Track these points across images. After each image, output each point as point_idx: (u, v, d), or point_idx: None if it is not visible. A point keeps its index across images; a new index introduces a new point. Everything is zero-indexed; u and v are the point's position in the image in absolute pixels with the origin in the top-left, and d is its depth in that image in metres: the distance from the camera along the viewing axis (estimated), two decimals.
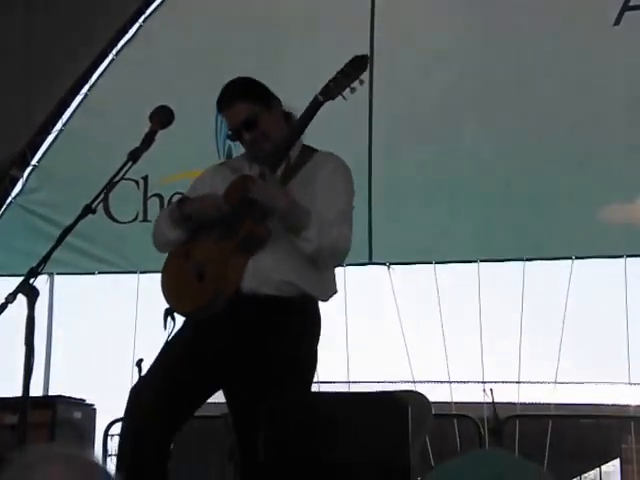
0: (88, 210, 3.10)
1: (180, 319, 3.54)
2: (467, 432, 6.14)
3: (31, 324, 2.85)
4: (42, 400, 5.88)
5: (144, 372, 3.48)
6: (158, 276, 3.64)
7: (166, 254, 3.64)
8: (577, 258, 6.26)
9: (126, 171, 3.22)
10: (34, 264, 2.97)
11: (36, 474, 1.35)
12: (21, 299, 2.89)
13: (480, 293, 6.35)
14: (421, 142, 6.55)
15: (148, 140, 3.29)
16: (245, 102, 3.51)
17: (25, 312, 2.88)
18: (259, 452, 3.23)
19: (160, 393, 3.36)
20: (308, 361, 3.52)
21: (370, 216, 6.42)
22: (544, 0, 6.50)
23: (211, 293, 3.43)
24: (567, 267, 6.24)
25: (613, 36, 6.24)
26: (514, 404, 6.60)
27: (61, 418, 5.72)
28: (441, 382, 7.39)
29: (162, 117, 3.39)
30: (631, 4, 6.20)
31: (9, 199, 7.17)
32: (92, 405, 6.19)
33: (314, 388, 3.89)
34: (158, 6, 7.11)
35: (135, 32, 7.11)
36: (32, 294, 2.88)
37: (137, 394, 3.43)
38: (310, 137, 3.61)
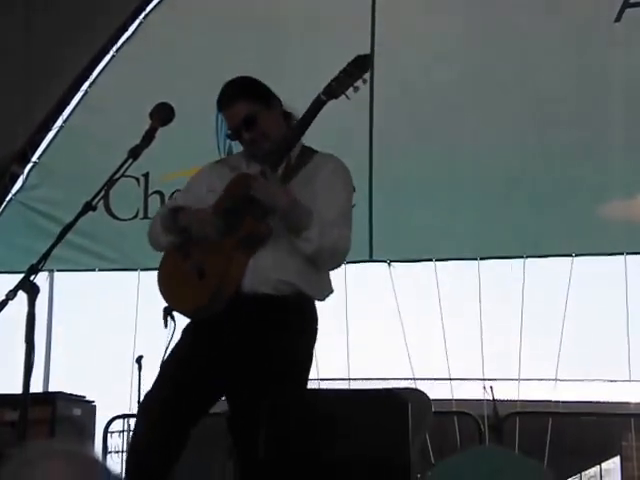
0: (88, 207, 3.10)
1: (179, 317, 3.54)
2: (467, 429, 6.14)
3: (31, 321, 2.85)
4: (42, 397, 5.88)
5: (151, 385, 3.49)
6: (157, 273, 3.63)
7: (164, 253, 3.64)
8: (577, 255, 6.26)
9: (126, 168, 3.21)
10: (34, 261, 2.97)
11: (36, 470, 1.35)
12: (21, 296, 2.89)
13: (480, 290, 6.35)
14: (421, 140, 6.55)
15: (148, 137, 3.29)
16: (245, 101, 3.50)
17: (25, 309, 2.88)
18: (259, 449, 3.23)
19: (168, 403, 3.36)
20: (306, 360, 3.52)
21: (371, 214, 6.42)
22: None
23: (213, 290, 3.42)
24: (567, 264, 6.24)
25: (614, 33, 6.23)
26: (514, 401, 6.60)
27: (61, 415, 5.73)
28: (441, 379, 7.39)
29: (162, 114, 3.38)
30: (632, 1, 6.20)
31: (9, 196, 7.17)
32: (92, 402, 6.20)
33: (314, 385, 3.90)
34: (158, 3, 7.10)
35: (135, 29, 7.11)
36: (32, 291, 2.88)
37: (145, 407, 3.45)
38: (311, 136, 3.60)
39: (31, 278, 2.91)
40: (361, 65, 3.44)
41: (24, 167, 7.16)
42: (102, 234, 6.79)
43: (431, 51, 6.58)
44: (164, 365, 3.48)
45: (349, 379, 6.81)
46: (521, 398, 6.63)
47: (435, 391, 6.33)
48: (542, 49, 6.40)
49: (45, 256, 3.00)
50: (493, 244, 6.42)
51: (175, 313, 3.53)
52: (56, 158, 7.13)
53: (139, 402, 3.45)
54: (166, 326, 3.51)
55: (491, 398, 5.52)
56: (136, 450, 3.46)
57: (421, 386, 5.60)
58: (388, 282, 6.53)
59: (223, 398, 3.52)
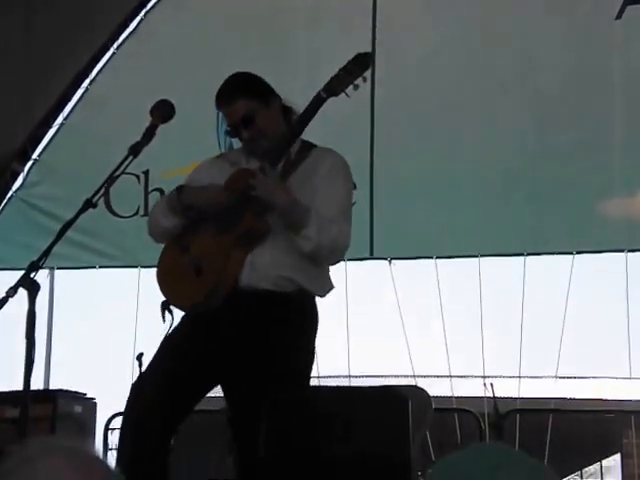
0: (89, 204, 3.10)
1: (178, 312, 3.54)
2: (468, 426, 6.14)
3: (32, 318, 2.85)
4: (43, 394, 5.88)
5: (144, 367, 3.48)
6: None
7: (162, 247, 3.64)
8: (578, 253, 6.26)
9: (127, 165, 3.21)
10: (35, 258, 2.97)
11: (36, 467, 1.35)
12: (22, 293, 2.89)
13: (481, 288, 6.35)
14: (422, 138, 6.54)
15: (149, 134, 3.29)
16: (243, 99, 3.50)
17: (26, 306, 2.88)
18: (259, 446, 3.23)
19: (160, 388, 3.36)
20: (307, 356, 3.52)
21: (372, 211, 6.41)
22: None
23: (210, 287, 3.42)
24: (568, 262, 6.24)
25: (614, 30, 6.23)
26: (515, 399, 6.60)
27: (62, 412, 5.73)
28: (442, 376, 7.39)
29: (163, 111, 3.39)
30: None
31: (10, 193, 7.16)
32: (93, 399, 6.20)
33: (315, 382, 3.89)
34: (159, 0, 7.09)
35: (136, 26, 7.10)
36: (33, 288, 2.89)
37: (137, 390, 3.44)
38: (312, 133, 3.60)
39: (32, 275, 2.91)
40: (362, 63, 3.44)
41: (24, 164, 7.16)
42: (103, 231, 6.79)
43: (432, 50, 6.58)
44: (162, 349, 3.47)
45: (349, 376, 6.81)
46: (521, 395, 6.63)
47: (435, 388, 6.34)
48: (542, 47, 6.39)
49: (46, 253, 3.01)
50: (494, 242, 6.41)
51: (173, 308, 3.53)
52: (56, 155, 7.13)
53: (130, 388, 3.44)
54: (164, 320, 3.51)
55: (491, 395, 5.52)
56: (128, 435, 3.45)
57: (421, 383, 5.60)
58: (389, 279, 6.53)
59: (222, 395, 3.52)
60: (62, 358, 7.58)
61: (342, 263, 5.32)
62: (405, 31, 6.61)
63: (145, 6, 7.07)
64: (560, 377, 6.64)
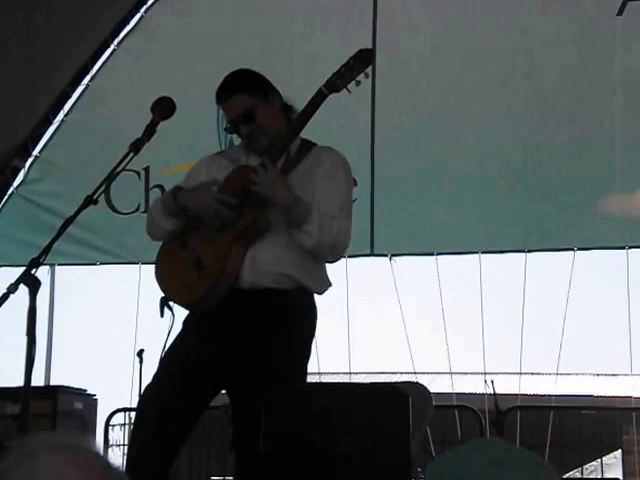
0: (90, 201, 3.10)
1: (178, 309, 3.54)
2: (468, 423, 6.14)
3: (33, 314, 2.85)
4: (43, 390, 5.88)
5: (151, 378, 3.49)
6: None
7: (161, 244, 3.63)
8: (579, 249, 6.26)
9: (128, 162, 3.21)
10: (35, 254, 2.97)
11: (37, 462, 1.35)
12: (23, 289, 2.89)
13: (482, 284, 6.36)
14: (423, 134, 6.55)
15: (149, 131, 3.29)
16: (243, 95, 3.49)
17: (26, 302, 2.88)
18: (260, 443, 3.23)
19: (164, 410, 3.37)
20: (304, 353, 3.52)
21: (372, 208, 6.41)
22: None
23: (210, 283, 3.42)
24: (569, 258, 6.24)
25: (616, 26, 6.22)
26: (515, 395, 6.60)
27: (62, 408, 5.74)
28: (442, 373, 7.39)
29: (163, 108, 3.38)
30: None
31: (11, 189, 7.16)
32: (93, 395, 6.21)
33: (315, 379, 3.90)
34: None
35: (136, 23, 7.10)
36: (34, 284, 2.88)
37: (144, 406, 3.46)
38: (313, 130, 3.60)
39: (32, 272, 2.91)
40: (364, 59, 3.43)
41: (25, 161, 7.16)
42: (103, 228, 6.79)
43: (432, 47, 6.58)
44: (165, 358, 3.49)
45: (350, 373, 6.81)
46: (522, 392, 6.64)
47: (436, 385, 6.34)
48: (543, 43, 6.39)
49: (46, 250, 3.00)
50: (494, 238, 6.42)
51: (173, 304, 3.53)
52: (57, 152, 7.13)
53: (140, 395, 3.45)
54: (162, 315, 3.51)
55: (492, 392, 5.51)
56: (136, 447, 3.46)
57: (422, 380, 5.60)
58: (389, 276, 6.54)
59: (223, 391, 3.52)
60: (63, 354, 7.58)
61: (343, 260, 5.32)
62: (405, 29, 6.61)
63: (145, 3, 7.07)
64: (561, 374, 6.64)
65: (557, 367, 6.35)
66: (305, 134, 3.61)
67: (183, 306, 3.53)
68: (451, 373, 6.74)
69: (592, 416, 7.22)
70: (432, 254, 6.49)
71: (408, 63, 6.59)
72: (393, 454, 3.21)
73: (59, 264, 6.98)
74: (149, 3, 7.07)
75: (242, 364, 3.37)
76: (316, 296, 3.55)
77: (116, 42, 7.09)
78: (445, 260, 6.49)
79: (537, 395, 7.74)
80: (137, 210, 6.81)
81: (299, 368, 3.48)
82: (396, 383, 3.88)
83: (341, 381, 6.82)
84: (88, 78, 7.12)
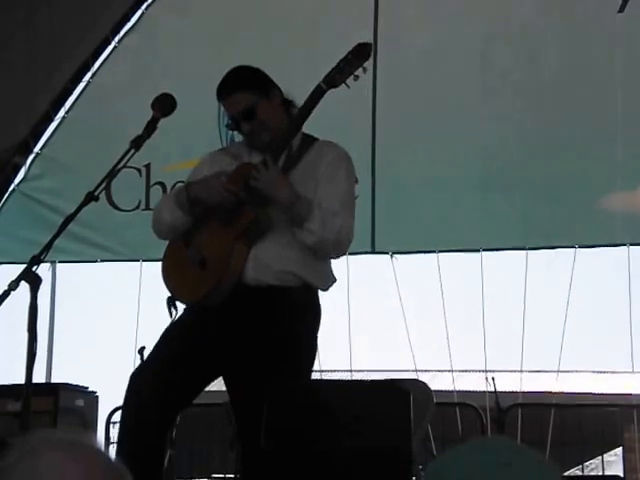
0: (90, 198, 3.10)
1: (182, 307, 3.54)
2: (469, 421, 6.14)
3: (34, 311, 2.86)
4: (45, 387, 5.88)
5: (145, 357, 3.49)
6: (161, 264, 3.64)
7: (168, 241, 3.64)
8: (580, 247, 6.25)
9: (129, 159, 3.21)
10: (36, 252, 2.97)
11: (38, 459, 1.35)
12: (24, 286, 2.89)
13: (483, 282, 6.35)
14: (424, 131, 6.54)
15: (150, 128, 3.29)
16: (244, 92, 3.49)
17: (28, 299, 2.88)
18: (261, 439, 3.23)
19: (160, 377, 3.37)
20: (309, 350, 3.52)
21: (373, 205, 6.41)
22: None
23: (214, 281, 3.42)
24: (570, 256, 6.24)
25: (617, 23, 6.22)
26: (516, 393, 6.60)
27: (63, 405, 5.73)
28: (443, 371, 7.39)
29: (164, 105, 3.38)
30: None
31: (12, 186, 7.16)
32: (94, 392, 6.20)
33: (316, 376, 3.89)
34: None
35: (137, 20, 7.09)
36: (35, 281, 2.89)
37: (137, 380, 3.45)
38: (313, 126, 3.59)
39: (33, 269, 2.91)
40: (362, 54, 3.43)
41: (26, 158, 7.15)
42: (104, 225, 6.79)
43: (433, 44, 6.57)
44: (163, 339, 3.48)
45: (351, 370, 6.81)
46: (523, 389, 6.63)
47: (437, 382, 6.34)
48: (544, 41, 6.39)
49: (47, 247, 3.01)
50: (496, 236, 6.41)
51: (178, 303, 3.54)
52: (58, 149, 7.12)
53: (130, 377, 3.45)
54: (171, 316, 3.52)
55: (493, 389, 5.51)
56: (127, 426, 3.46)
57: (423, 377, 5.60)
58: (390, 274, 6.53)
59: (224, 389, 3.52)
60: (64, 352, 7.59)
61: (344, 257, 5.31)
62: (406, 25, 6.60)
63: (146, 0, 7.06)
64: (562, 371, 6.64)
65: (558, 364, 6.35)
66: (305, 131, 3.60)
67: (188, 304, 3.54)
68: (452, 371, 6.74)
69: (593, 413, 7.22)
70: (433, 252, 6.48)
71: (409, 61, 6.58)
72: (394, 451, 3.21)
73: (60, 261, 6.98)
74: (150, 0, 7.07)
75: (245, 359, 3.37)
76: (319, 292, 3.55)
77: (117, 39, 7.08)
78: (446, 258, 6.49)
79: (538, 392, 7.73)
80: (138, 207, 6.81)
81: (303, 365, 3.48)
82: (397, 380, 3.88)
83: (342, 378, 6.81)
84: (89, 75, 7.12)
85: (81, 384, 6.16)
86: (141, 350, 5.42)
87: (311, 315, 3.52)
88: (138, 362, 3.51)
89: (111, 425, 6.30)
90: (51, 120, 7.14)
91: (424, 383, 3.86)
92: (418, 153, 6.53)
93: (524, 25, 6.42)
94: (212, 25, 6.90)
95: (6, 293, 2.87)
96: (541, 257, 6.45)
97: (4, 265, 6.76)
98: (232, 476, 4.84)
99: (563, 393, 7.19)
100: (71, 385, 6.06)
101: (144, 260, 6.65)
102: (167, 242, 3.64)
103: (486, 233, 6.40)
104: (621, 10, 6.19)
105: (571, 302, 6.25)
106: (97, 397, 6.20)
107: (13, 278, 2.88)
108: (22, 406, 2.95)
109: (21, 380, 2.86)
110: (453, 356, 6.45)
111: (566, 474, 7.36)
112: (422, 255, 6.61)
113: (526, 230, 6.35)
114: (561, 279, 6.38)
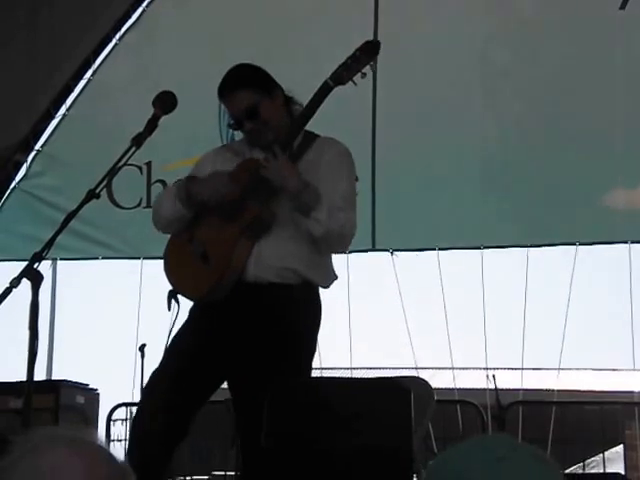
0: (92, 195, 3.10)
1: (184, 301, 3.54)
2: (470, 418, 6.14)
3: (35, 309, 2.86)
4: (46, 384, 5.89)
5: (157, 364, 3.50)
6: (161, 262, 3.64)
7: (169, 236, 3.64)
8: (581, 244, 6.26)
9: (129, 156, 3.21)
10: (38, 249, 2.97)
11: (40, 456, 1.35)
12: (25, 284, 2.89)
13: (483, 279, 6.36)
14: (424, 129, 6.54)
15: (151, 126, 3.29)
16: (246, 90, 3.49)
17: (29, 297, 2.89)
18: (261, 437, 3.23)
19: (169, 392, 3.37)
20: (309, 348, 3.52)
21: (373, 203, 6.41)
22: None
23: (216, 277, 3.43)
24: (571, 253, 6.24)
25: (618, 20, 6.21)
26: (517, 390, 6.60)
27: (64, 402, 5.74)
28: (444, 368, 7.39)
29: (165, 102, 3.38)
30: None
31: (13, 184, 7.16)
32: (95, 390, 6.21)
33: (316, 374, 3.89)
34: None
35: (138, 17, 7.09)
36: (36, 279, 2.89)
37: (149, 392, 3.47)
38: (313, 126, 3.59)
39: (35, 266, 2.91)
40: (370, 51, 3.43)
41: (27, 155, 7.15)
42: (105, 222, 6.79)
43: (433, 42, 6.57)
44: (169, 349, 3.49)
45: (351, 368, 6.81)
46: (524, 387, 6.64)
47: (438, 380, 6.35)
48: (546, 37, 6.38)
49: (48, 244, 3.01)
50: (496, 233, 6.41)
51: (179, 297, 3.54)
52: (59, 146, 7.12)
53: (142, 390, 3.46)
54: (170, 309, 3.51)
55: (494, 387, 5.51)
56: (138, 438, 3.47)
57: (424, 375, 5.60)
58: (391, 271, 6.53)
59: (225, 386, 3.53)
60: (65, 349, 7.60)
61: (344, 255, 5.32)
62: (406, 25, 6.59)
63: None
64: (563, 369, 6.64)
65: (559, 362, 6.35)
66: (306, 129, 3.60)
67: (190, 299, 3.54)
68: (453, 368, 6.74)
69: (594, 411, 7.22)
70: (434, 249, 6.48)
71: (409, 61, 6.58)
72: (395, 449, 3.21)
73: (61, 258, 6.98)
74: None
75: (246, 357, 3.38)
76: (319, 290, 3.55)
77: (118, 36, 7.08)
78: (447, 255, 6.49)
79: (539, 390, 7.74)
80: (139, 205, 6.81)
81: (303, 362, 3.49)
82: (398, 378, 3.88)
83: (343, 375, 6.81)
84: (90, 72, 7.12)
85: (82, 381, 6.17)
86: (142, 347, 5.41)
87: (312, 312, 3.52)
88: (139, 359, 3.52)
89: (112, 422, 6.31)
90: (52, 118, 7.14)
91: (425, 381, 3.86)
92: (418, 152, 6.53)
93: (524, 25, 6.42)
94: (213, 22, 6.90)
95: (7, 290, 2.88)
96: (542, 254, 6.46)
97: (5, 262, 6.76)
98: (233, 474, 4.84)
99: (564, 391, 7.19)
100: (72, 382, 6.07)
101: (145, 258, 6.65)
102: (168, 239, 3.64)
103: (487, 230, 6.40)
104: (622, 7, 6.18)
105: (572, 299, 6.26)
106: (98, 394, 6.20)
107: (14, 275, 2.88)
108: (24, 403, 2.95)
109: (22, 377, 2.86)
110: (454, 354, 6.46)
111: (567, 472, 7.36)
112: (422, 252, 6.60)
113: (527, 227, 6.35)
114: (562, 276, 6.39)
